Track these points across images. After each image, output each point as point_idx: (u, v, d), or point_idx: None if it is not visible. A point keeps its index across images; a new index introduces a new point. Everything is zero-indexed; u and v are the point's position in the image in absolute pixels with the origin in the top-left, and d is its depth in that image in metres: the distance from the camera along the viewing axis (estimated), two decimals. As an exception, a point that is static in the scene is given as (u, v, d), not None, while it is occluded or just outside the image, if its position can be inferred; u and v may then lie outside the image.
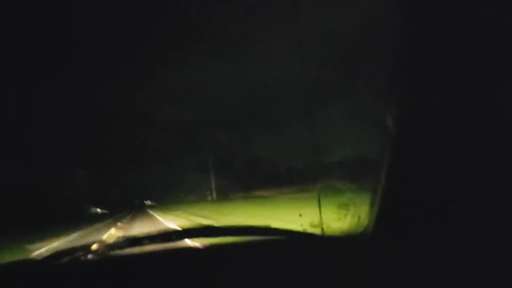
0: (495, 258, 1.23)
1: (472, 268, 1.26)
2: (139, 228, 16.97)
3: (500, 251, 1.23)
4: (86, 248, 1.71)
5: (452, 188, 1.32)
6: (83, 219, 36.13)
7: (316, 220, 10.01)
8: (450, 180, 1.33)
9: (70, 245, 1.92)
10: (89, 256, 1.69)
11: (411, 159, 1.44)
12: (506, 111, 1.21)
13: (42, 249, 12.25)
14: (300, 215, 12.21)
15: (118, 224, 22.82)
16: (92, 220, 34.61)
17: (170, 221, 18.63)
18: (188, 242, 2.11)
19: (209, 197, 36.97)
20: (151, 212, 36.77)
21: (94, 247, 1.72)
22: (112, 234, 15.85)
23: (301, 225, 9.71)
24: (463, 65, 1.28)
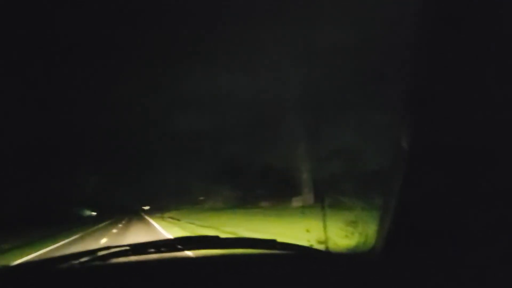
0: (508, 275, 1.20)
1: (484, 286, 1.24)
2: (135, 235, 16.77)
3: None
4: (90, 253, 1.71)
5: (464, 207, 1.30)
6: (79, 223, 35.95)
7: (323, 236, 9.91)
8: (462, 198, 1.30)
9: (65, 250, 1.92)
10: (93, 261, 1.69)
11: (422, 176, 1.42)
12: None
13: (34, 254, 12.28)
14: (308, 230, 12.10)
15: (114, 230, 22.52)
16: (88, 224, 34.32)
17: (169, 229, 18.41)
18: (190, 253, 2.10)
19: (210, 206, 36.62)
20: (148, 218, 36.09)
21: (98, 253, 1.71)
22: (108, 240, 15.77)
23: (308, 240, 9.61)
24: (476, 79, 1.27)
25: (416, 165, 1.44)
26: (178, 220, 24.79)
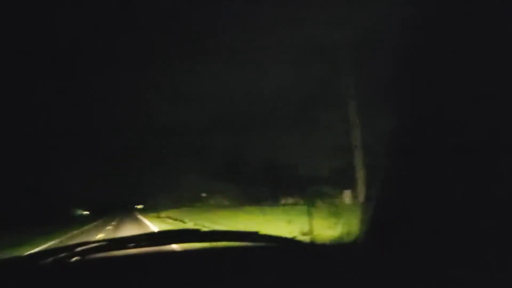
0: (490, 269, 1.21)
1: (466, 278, 1.24)
2: (126, 231, 16.71)
3: (495, 261, 1.21)
4: (68, 249, 1.66)
5: (448, 199, 1.30)
6: (71, 222, 35.35)
7: (306, 228, 9.99)
8: (445, 190, 1.31)
9: (55, 246, 1.87)
10: (72, 257, 1.64)
11: (405, 168, 1.42)
12: (507, 118, 1.20)
13: (27, 252, 12.05)
14: (290, 221, 12.20)
15: (107, 227, 22.26)
16: (80, 223, 33.81)
17: (159, 225, 18.38)
18: (174, 246, 2.07)
19: (197, 203, 36.10)
20: (139, 216, 35.41)
21: (77, 248, 1.67)
22: (98, 236, 15.61)
23: (291, 232, 9.67)
24: (463, 74, 1.27)
25: (399, 158, 1.44)
26: (182, 221, 22.47)
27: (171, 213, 32.39)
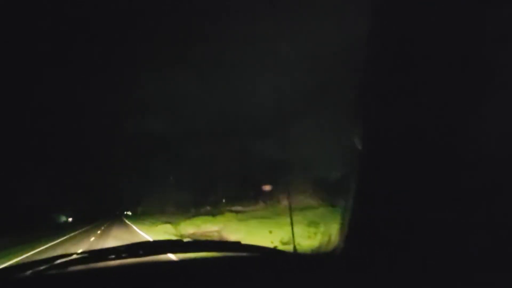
0: (468, 274, 1.25)
1: (446, 284, 1.28)
2: (113, 239, 16.18)
3: (477, 268, 1.25)
4: (48, 261, 1.64)
5: (424, 205, 1.34)
6: (57, 229, 33.88)
7: (286, 237, 10.00)
8: (420, 196, 1.35)
9: (40, 256, 1.83)
10: (52, 270, 1.62)
11: (381, 176, 1.46)
12: (474, 125, 1.25)
13: (12, 261, 11.62)
14: (270, 231, 12.18)
15: (92, 236, 21.25)
16: (66, 230, 32.26)
17: (145, 233, 17.97)
18: (154, 256, 2.05)
19: (185, 209, 34.91)
20: (127, 221, 34.02)
21: (57, 260, 1.64)
22: (88, 243, 15.12)
23: (272, 242, 9.67)
24: (428, 79, 1.32)
25: (373, 164, 1.48)
26: (155, 224, 21.16)
27: (151, 218, 30.80)
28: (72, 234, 27.19)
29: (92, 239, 17.95)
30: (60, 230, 32.62)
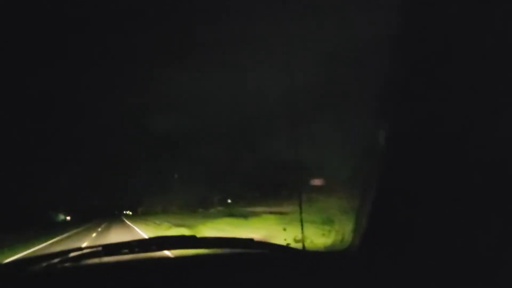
0: (484, 274, 1.22)
1: (459, 283, 1.25)
2: (114, 237, 16.18)
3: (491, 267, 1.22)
4: (61, 254, 1.65)
5: (441, 207, 1.31)
6: (57, 226, 34.04)
7: (300, 235, 9.98)
8: (438, 198, 1.32)
9: (41, 253, 1.85)
10: (65, 263, 1.63)
11: (397, 176, 1.43)
12: (495, 123, 1.22)
13: (11, 258, 11.83)
14: (284, 229, 12.16)
15: (93, 233, 21.08)
16: (66, 227, 31.91)
17: (147, 232, 17.89)
18: (168, 252, 2.06)
19: (192, 209, 34.36)
20: (127, 221, 33.15)
21: (70, 254, 1.66)
22: (86, 242, 15.19)
23: (285, 239, 9.65)
24: (449, 79, 1.29)
25: (392, 164, 1.46)
26: (159, 222, 19.27)
27: (154, 217, 28.67)
28: (80, 229, 27.00)
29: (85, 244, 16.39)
30: (58, 228, 31.56)
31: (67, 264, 1.63)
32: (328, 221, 11.97)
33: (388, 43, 1.45)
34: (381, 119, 1.50)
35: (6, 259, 12.53)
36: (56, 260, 1.62)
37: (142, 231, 18.74)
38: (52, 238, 21.00)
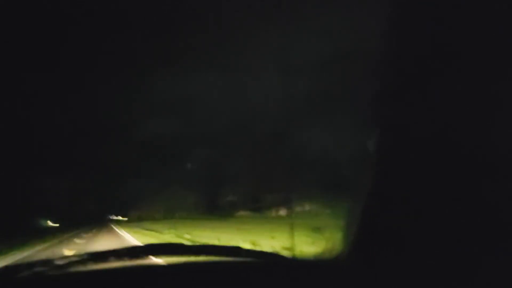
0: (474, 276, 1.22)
1: None
2: (102, 243, 15.97)
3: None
4: (47, 262, 1.62)
5: (432, 214, 1.32)
6: (46, 232, 33.23)
7: (288, 243, 9.95)
8: (430, 204, 1.32)
9: (29, 259, 1.82)
10: (51, 271, 1.61)
11: (389, 182, 1.43)
12: (490, 126, 1.22)
13: None
14: (273, 237, 12.14)
15: (80, 239, 20.62)
16: (54, 233, 31.13)
17: (137, 238, 17.69)
18: (154, 259, 2.03)
19: (181, 215, 33.71)
20: (115, 227, 32.30)
21: (56, 261, 1.63)
22: (74, 248, 14.95)
23: (273, 247, 9.62)
24: (443, 83, 1.30)
25: (383, 170, 1.46)
26: (148, 228, 19.22)
27: (144, 223, 27.26)
28: (68, 235, 25.90)
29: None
30: (46, 234, 29.71)
31: (52, 272, 1.60)
32: (318, 229, 11.98)
33: (380, 46, 1.46)
34: (372, 124, 1.50)
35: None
36: (41, 268, 1.59)
37: (121, 231, 18.94)
38: (38, 244, 20.61)
